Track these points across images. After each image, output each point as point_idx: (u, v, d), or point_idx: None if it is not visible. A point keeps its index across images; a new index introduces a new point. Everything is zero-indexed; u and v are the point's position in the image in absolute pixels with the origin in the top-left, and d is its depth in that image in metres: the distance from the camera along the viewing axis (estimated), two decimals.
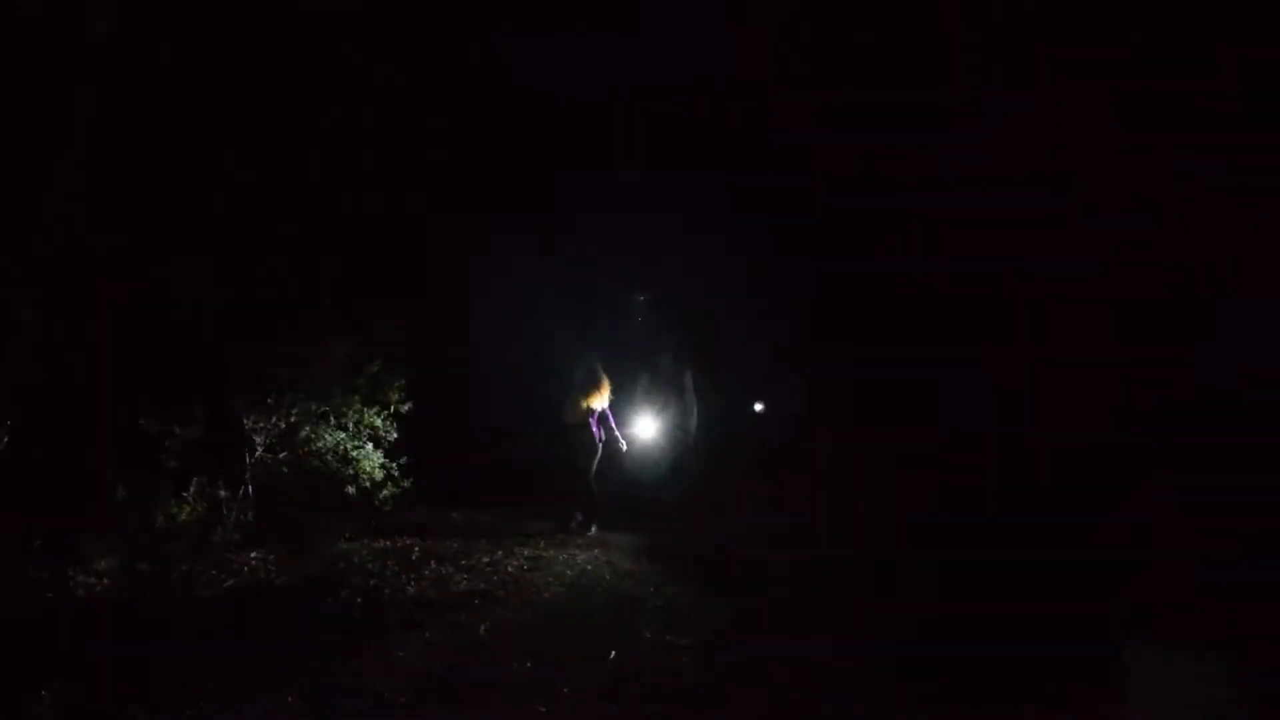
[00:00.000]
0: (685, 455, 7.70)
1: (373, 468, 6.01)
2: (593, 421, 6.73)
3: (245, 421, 5.79)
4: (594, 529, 6.72)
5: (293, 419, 5.85)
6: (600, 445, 6.77)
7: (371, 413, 6.15)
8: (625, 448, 7.03)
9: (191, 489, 5.05)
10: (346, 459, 5.92)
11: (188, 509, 4.95)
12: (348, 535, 5.27)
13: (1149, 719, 3.17)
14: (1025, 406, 8.43)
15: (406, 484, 6.23)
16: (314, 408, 5.92)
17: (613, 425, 6.92)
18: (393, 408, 6.30)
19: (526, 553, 5.95)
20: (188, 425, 5.36)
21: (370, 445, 6.09)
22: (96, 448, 5.02)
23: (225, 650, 3.65)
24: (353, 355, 6.17)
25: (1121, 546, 5.76)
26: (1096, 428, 7.76)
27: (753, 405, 11.03)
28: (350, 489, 5.74)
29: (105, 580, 4.42)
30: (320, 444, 5.88)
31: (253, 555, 5.16)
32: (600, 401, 6.74)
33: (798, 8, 9.14)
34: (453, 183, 9.04)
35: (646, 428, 7.49)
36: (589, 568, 5.69)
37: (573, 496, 6.83)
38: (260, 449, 5.83)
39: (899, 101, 8.74)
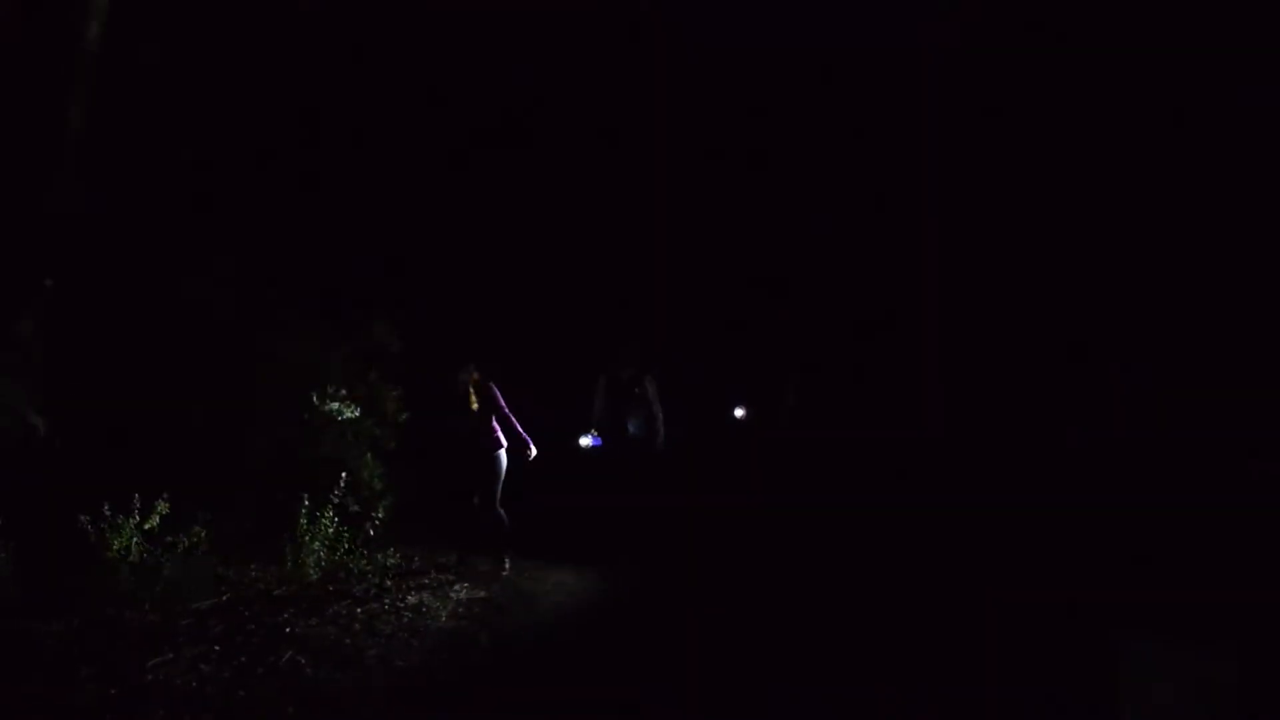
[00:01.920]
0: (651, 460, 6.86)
1: (372, 477, 6.00)
2: (493, 427, 5.65)
3: (245, 430, 5.77)
4: (508, 564, 5.70)
5: (292, 428, 5.84)
6: (505, 456, 5.69)
7: (370, 422, 6.14)
8: (533, 454, 5.74)
9: (190, 499, 5.02)
10: (347, 469, 5.90)
11: (185, 520, 4.93)
12: (347, 546, 5.27)
13: (1142, 714, 3.20)
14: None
15: (407, 494, 6.23)
16: (313, 416, 5.91)
17: (518, 428, 5.71)
18: (390, 418, 6.29)
19: (525, 560, 5.95)
20: (186, 433, 5.37)
21: (369, 455, 6.08)
22: (94, 457, 5.00)
23: (220, 662, 3.65)
24: (351, 362, 6.16)
25: (1116, 538, 5.85)
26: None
27: (733, 411, 10.46)
28: (350, 500, 5.72)
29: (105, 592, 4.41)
30: (320, 453, 5.87)
31: (252, 566, 5.16)
32: (478, 399, 5.65)
33: None
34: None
35: (591, 437, 6.65)
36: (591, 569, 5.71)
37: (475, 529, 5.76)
38: (259, 458, 5.81)
39: None
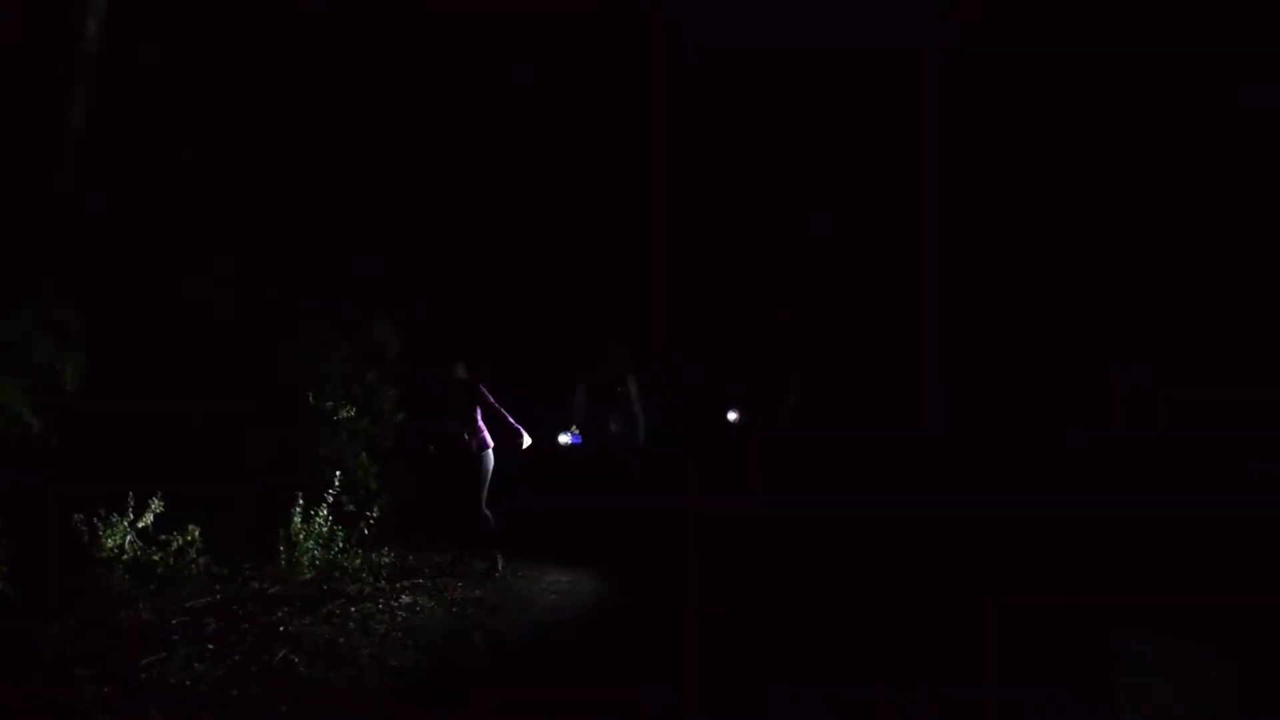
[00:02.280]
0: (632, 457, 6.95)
1: (367, 476, 5.99)
2: (479, 427, 5.59)
3: (243, 430, 5.76)
4: (500, 564, 5.62)
5: (290, 428, 5.83)
6: (491, 457, 5.61)
7: (366, 421, 6.12)
8: (527, 442, 5.67)
9: (186, 498, 5.01)
10: (342, 468, 5.89)
11: (181, 519, 4.92)
12: (342, 545, 5.26)
13: (1142, 714, 3.18)
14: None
15: (404, 493, 6.21)
16: (311, 416, 5.89)
17: (509, 420, 5.62)
18: (386, 417, 6.28)
19: (521, 560, 5.94)
20: (184, 432, 5.36)
21: (365, 454, 6.06)
22: (92, 456, 5.00)
23: (214, 660, 3.64)
24: (349, 361, 6.15)
25: (1116, 538, 5.83)
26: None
27: (726, 414, 10.35)
28: (346, 499, 5.71)
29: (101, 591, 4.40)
30: (317, 453, 5.85)
31: (246, 565, 5.14)
32: (465, 399, 5.63)
33: None
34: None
35: (571, 434, 6.61)
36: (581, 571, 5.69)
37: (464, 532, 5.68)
38: (256, 457, 5.80)
39: None
